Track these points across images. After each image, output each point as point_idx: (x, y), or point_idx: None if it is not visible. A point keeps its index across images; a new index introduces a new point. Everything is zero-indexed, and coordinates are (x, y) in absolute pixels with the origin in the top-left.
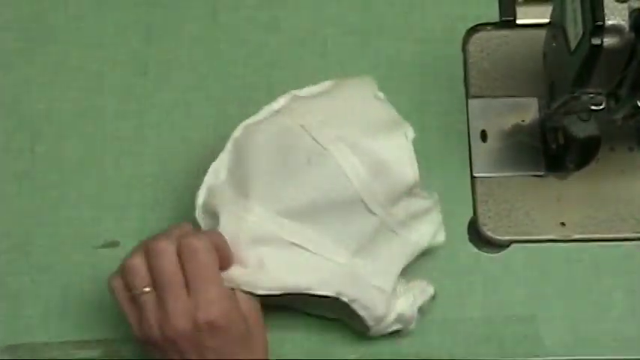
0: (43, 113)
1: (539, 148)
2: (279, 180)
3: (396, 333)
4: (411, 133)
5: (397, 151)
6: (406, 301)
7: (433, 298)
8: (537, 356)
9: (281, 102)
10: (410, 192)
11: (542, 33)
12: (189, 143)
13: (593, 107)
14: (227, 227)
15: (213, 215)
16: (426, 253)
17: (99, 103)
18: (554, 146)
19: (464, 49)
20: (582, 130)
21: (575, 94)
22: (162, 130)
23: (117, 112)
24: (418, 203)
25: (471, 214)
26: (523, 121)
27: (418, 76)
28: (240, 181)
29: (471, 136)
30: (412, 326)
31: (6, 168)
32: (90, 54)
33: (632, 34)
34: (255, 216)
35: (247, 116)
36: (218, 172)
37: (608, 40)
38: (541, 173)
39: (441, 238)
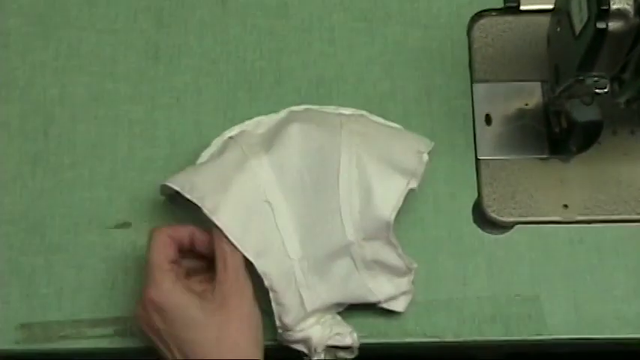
0: (57, 97)
1: (543, 132)
2: (296, 151)
3: (399, 313)
4: (413, 184)
5: (390, 188)
6: (321, 332)
7: (351, 351)
8: (540, 335)
9: (349, 111)
10: (388, 240)
11: (545, 19)
12: (199, 126)
13: (597, 91)
14: (228, 156)
15: (225, 148)
16: (431, 235)
17: (111, 87)
18: (557, 130)
19: (469, 35)
20: (585, 114)
21: (580, 78)
22: (174, 113)
23: (129, 96)
24: (391, 256)
25: (475, 196)
26: (527, 105)
27: (424, 62)
28: (269, 140)
29: (476, 119)
30: (314, 357)
31: (20, 150)
32: (102, 39)
33: (637, 19)
34: (259, 165)
35: (256, 100)
36: (259, 125)
37: (613, 25)
38: (544, 156)
39: (398, 307)
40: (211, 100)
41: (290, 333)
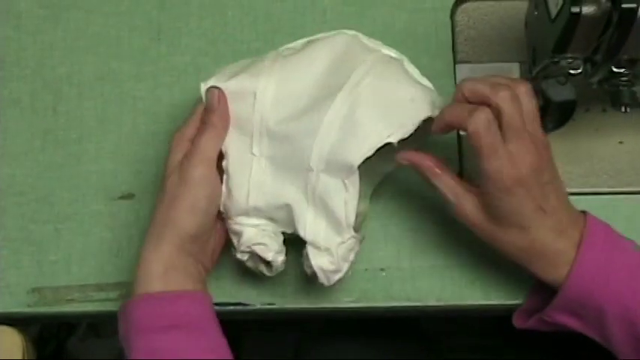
0: (65, 75)
1: None
2: (309, 71)
3: (385, 279)
4: (392, 139)
5: (368, 136)
6: (253, 235)
7: (270, 269)
8: (517, 300)
9: (392, 52)
10: (343, 183)
11: (524, 4)
12: (199, 103)
13: (571, 71)
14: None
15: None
16: (416, 205)
17: (116, 66)
18: None
19: (452, 18)
20: (560, 93)
21: (555, 60)
22: (175, 91)
23: (133, 75)
24: (337, 200)
25: (457, 170)
26: None
27: (410, 43)
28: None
29: None
30: (237, 254)
31: (31, 126)
32: (108, 21)
33: (609, 4)
34: (269, 68)
35: None
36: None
37: (587, 9)
38: None
39: (314, 261)
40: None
41: (229, 222)
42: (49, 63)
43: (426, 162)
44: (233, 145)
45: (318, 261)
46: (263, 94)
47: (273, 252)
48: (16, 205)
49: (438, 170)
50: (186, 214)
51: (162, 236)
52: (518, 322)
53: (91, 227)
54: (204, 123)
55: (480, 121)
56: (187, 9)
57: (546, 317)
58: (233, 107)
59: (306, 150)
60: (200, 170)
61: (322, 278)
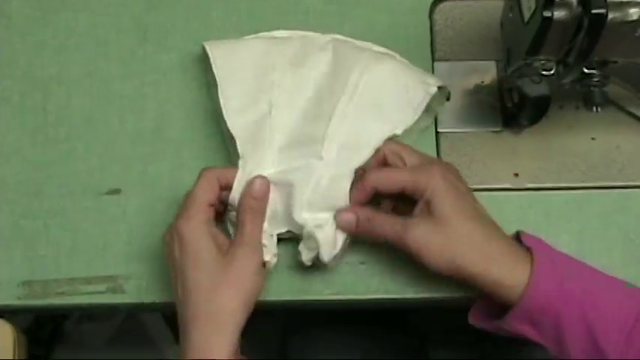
0: (54, 75)
1: (497, 106)
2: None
3: (365, 272)
4: (397, 131)
5: (374, 132)
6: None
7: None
8: None
9: (382, 49)
10: (349, 173)
11: (500, 4)
12: (185, 102)
13: (544, 72)
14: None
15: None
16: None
17: (104, 66)
18: (509, 105)
19: (430, 18)
20: (534, 90)
21: (529, 61)
22: (161, 89)
23: (120, 74)
24: (341, 192)
25: None
26: (482, 82)
27: (390, 42)
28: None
29: None
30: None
31: (21, 124)
32: (96, 21)
33: (580, 8)
34: (282, 73)
35: None
36: (305, 38)
37: (558, 13)
38: (498, 129)
39: (305, 255)
40: (196, 77)
41: (232, 214)
42: (38, 62)
43: (356, 215)
44: (250, 143)
45: (319, 235)
46: (277, 105)
47: (271, 254)
48: (7, 202)
49: (369, 215)
50: (243, 307)
51: (223, 326)
52: (474, 320)
53: (79, 222)
54: (252, 210)
55: (374, 170)
56: (174, 10)
57: (506, 326)
58: (250, 113)
59: (317, 148)
60: (256, 263)
61: (323, 253)
